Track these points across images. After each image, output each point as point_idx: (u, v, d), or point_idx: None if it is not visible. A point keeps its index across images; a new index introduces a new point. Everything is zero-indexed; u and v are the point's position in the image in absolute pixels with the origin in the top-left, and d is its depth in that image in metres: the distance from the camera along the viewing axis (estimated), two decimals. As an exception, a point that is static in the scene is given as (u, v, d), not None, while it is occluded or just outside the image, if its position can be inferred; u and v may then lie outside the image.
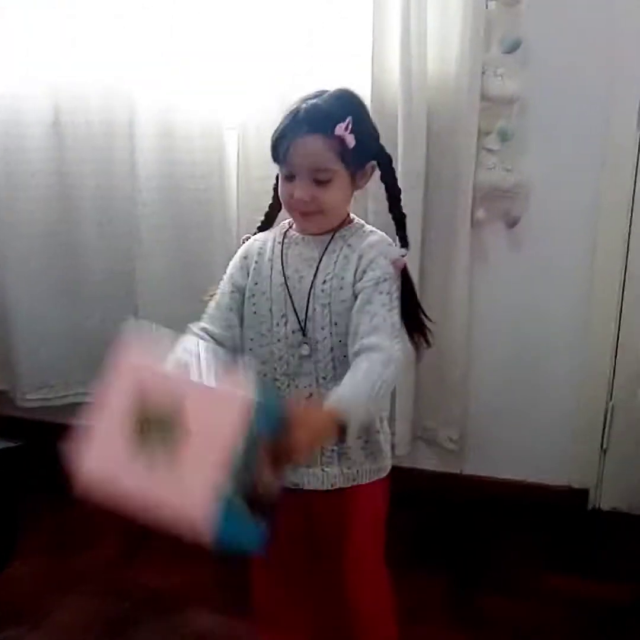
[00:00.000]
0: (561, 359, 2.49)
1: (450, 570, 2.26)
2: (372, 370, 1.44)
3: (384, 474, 1.66)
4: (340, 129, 1.45)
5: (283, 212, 1.64)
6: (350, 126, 1.45)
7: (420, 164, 2.34)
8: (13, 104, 2.60)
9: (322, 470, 1.60)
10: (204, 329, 1.63)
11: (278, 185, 1.58)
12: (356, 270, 1.53)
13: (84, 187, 2.67)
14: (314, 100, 1.49)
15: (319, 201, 1.50)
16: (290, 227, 1.62)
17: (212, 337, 1.61)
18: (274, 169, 1.57)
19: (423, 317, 1.63)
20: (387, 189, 1.62)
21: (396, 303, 1.54)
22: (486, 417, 2.56)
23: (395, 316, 1.52)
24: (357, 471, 1.61)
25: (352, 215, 1.61)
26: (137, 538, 2.39)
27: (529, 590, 2.19)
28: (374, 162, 1.56)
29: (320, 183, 1.48)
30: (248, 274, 1.62)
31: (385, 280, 1.52)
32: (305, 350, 1.56)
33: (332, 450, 1.59)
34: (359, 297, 1.52)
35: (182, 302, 2.66)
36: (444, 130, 2.37)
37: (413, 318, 1.61)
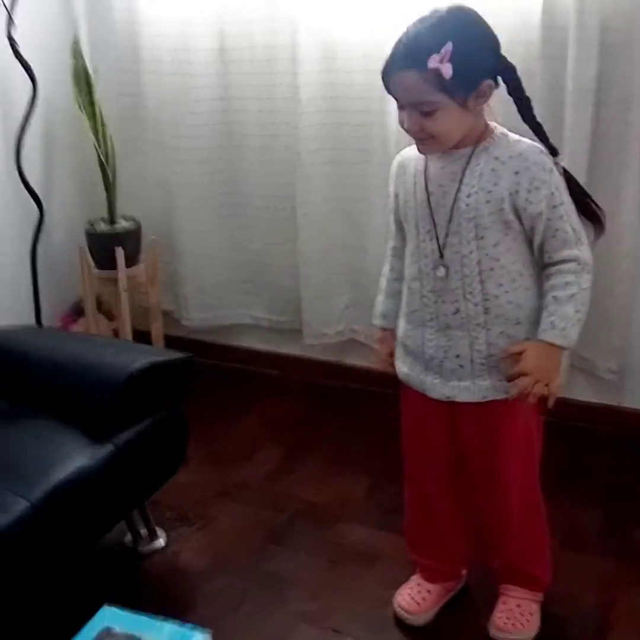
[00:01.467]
0: None
1: (605, 503, 2.22)
2: (570, 284, 1.54)
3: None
4: (434, 61, 1.43)
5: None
6: (447, 55, 1.42)
7: (590, 81, 2.21)
8: (181, 30, 2.66)
9: (474, 382, 1.62)
10: (394, 248, 1.77)
11: None
12: (516, 190, 1.52)
13: (247, 112, 2.72)
14: (414, 30, 1.47)
15: (428, 130, 1.50)
16: None
17: (398, 255, 1.75)
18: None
19: (594, 206, 1.62)
20: (516, 102, 1.57)
21: (571, 208, 1.55)
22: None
23: (574, 221, 1.55)
24: (507, 384, 1.60)
25: (493, 124, 1.58)
26: (294, 454, 2.50)
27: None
28: (490, 81, 1.51)
29: (425, 114, 1.48)
30: (399, 192, 1.67)
31: (553, 193, 1.52)
32: (440, 271, 1.59)
33: (482, 363, 1.61)
34: (536, 220, 1.53)
35: (341, 225, 2.70)
36: (618, 44, 2.23)
37: (584, 209, 1.61)
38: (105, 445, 1.80)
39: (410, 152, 1.65)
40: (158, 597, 1.95)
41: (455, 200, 1.55)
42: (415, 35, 1.47)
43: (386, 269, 1.81)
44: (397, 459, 2.44)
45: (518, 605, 1.81)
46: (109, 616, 1.53)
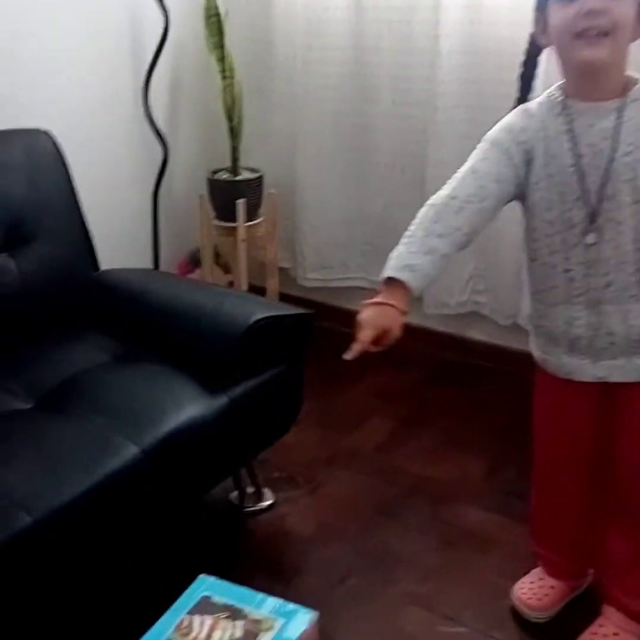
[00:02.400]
0: None
1: None
2: None
3: None
4: None
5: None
6: None
7: None
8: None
9: (628, 360, 1.47)
10: (453, 198, 1.46)
11: (531, 48, 1.48)
12: None
13: (381, 64, 2.57)
14: None
15: (612, 14, 1.29)
16: (565, 97, 1.41)
17: (458, 209, 1.45)
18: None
19: None
20: None
21: None
22: None
23: None
24: None
25: (631, 73, 1.39)
26: (407, 426, 2.38)
27: None
28: None
29: None
30: (527, 156, 1.44)
31: None
32: (591, 238, 1.41)
33: (638, 339, 1.45)
34: None
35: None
36: None
37: None
38: (219, 396, 1.72)
39: (541, 108, 1.45)
40: (261, 559, 1.87)
41: (610, 160, 1.37)
42: None
43: (429, 217, 1.47)
44: (519, 442, 2.29)
45: (615, 634, 1.62)
46: (207, 586, 1.44)
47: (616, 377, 1.48)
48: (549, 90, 1.47)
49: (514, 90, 2.35)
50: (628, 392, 1.49)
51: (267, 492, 2.06)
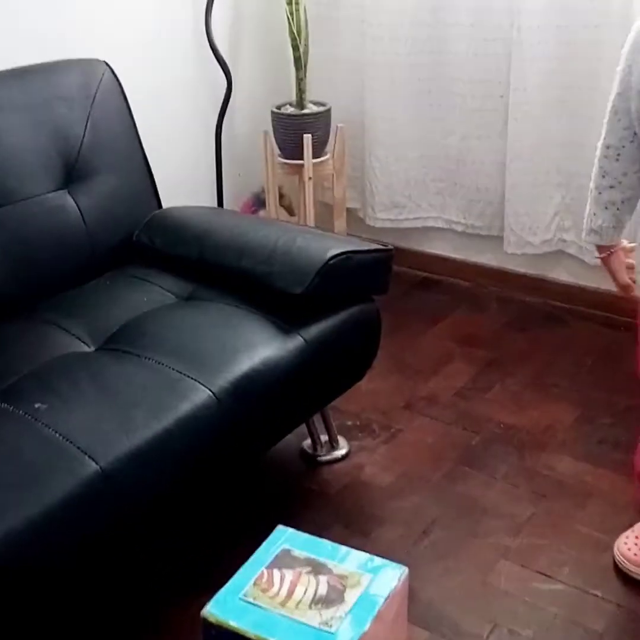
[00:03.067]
0: None
1: None
2: None
3: None
4: None
5: None
6: None
7: None
8: None
9: None
10: (608, 147, 1.40)
11: None
12: None
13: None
14: None
15: None
16: None
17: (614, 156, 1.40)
18: None
19: None
20: None
21: None
22: None
23: None
24: None
25: None
26: (488, 371, 2.23)
27: None
28: None
29: None
30: None
31: None
32: None
33: None
34: None
35: (560, 117, 2.34)
36: None
37: None
38: (294, 336, 1.60)
39: None
40: (336, 511, 1.76)
41: None
42: None
43: (596, 174, 1.44)
44: (610, 387, 2.15)
45: None
46: (286, 538, 1.33)
47: None
48: None
49: (610, 6, 2.16)
50: None
51: (341, 440, 1.95)
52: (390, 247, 1.76)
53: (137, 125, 1.96)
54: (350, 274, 1.69)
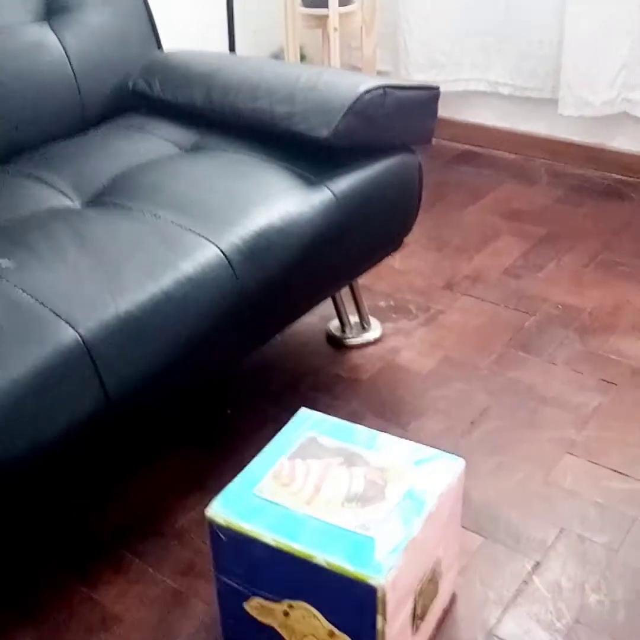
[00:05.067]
0: None
1: None
2: None
3: None
4: None
5: None
6: None
7: None
8: None
9: None
10: None
11: None
12: None
13: None
14: None
15: None
16: None
17: None
18: None
19: None
20: None
21: None
22: None
23: None
24: None
25: None
26: (541, 249, 1.94)
27: None
28: None
29: None
30: None
31: None
32: None
33: None
34: None
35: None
36: None
37: None
38: (319, 188, 1.31)
39: None
40: (369, 399, 1.50)
41: None
42: None
43: None
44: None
45: None
46: (312, 423, 1.08)
47: None
48: None
49: None
50: None
51: (373, 322, 1.68)
52: (436, 85, 1.45)
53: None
54: (387, 115, 1.39)
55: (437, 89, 1.46)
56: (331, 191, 1.32)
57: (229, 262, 1.17)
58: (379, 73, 2.40)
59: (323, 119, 1.34)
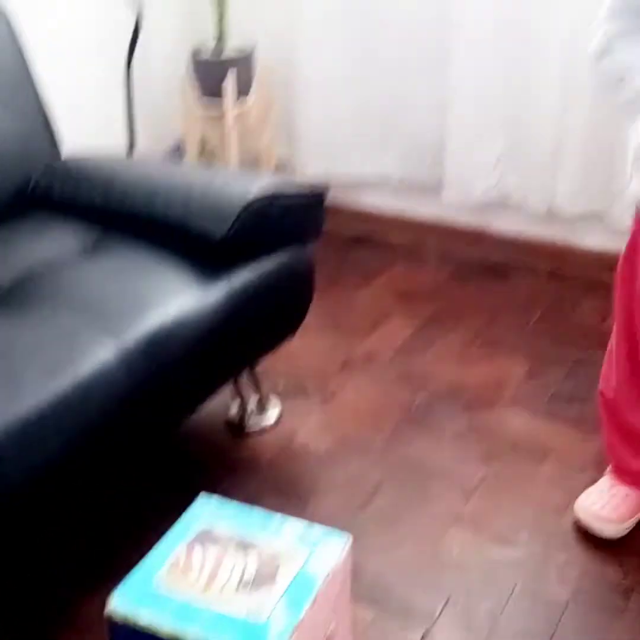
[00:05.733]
0: None
1: None
2: None
3: None
4: None
5: None
6: None
7: None
8: None
9: None
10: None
11: None
12: None
13: None
14: None
15: None
16: None
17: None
18: None
19: None
20: None
21: None
22: None
23: None
24: None
25: None
26: (430, 327, 2.07)
27: None
28: None
29: None
30: None
31: None
32: None
33: None
34: None
35: (504, 55, 2.17)
36: None
37: None
38: (214, 286, 1.40)
39: None
40: (268, 481, 1.58)
41: None
42: None
43: (624, 51, 1.20)
44: (557, 341, 2.00)
45: None
46: (209, 509, 1.15)
47: None
48: None
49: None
50: None
51: (272, 405, 1.76)
52: (322, 188, 1.58)
53: (34, 60, 1.72)
54: (277, 217, 1.50)
55: (322, 192, 1.58)
56: (225, 288, 1.41)
57: (126, 360, 1.24)
58: (277, 163, 2.54)
59: (216, 223, 1.44)
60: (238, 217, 1.43)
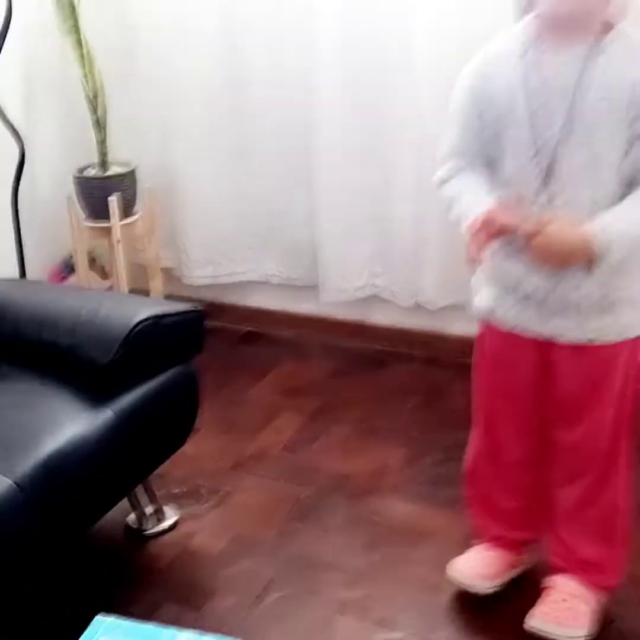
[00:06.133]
0: None
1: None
2: None
3: None
4: None
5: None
6: None
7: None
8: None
9: (580, 322, 1.39)
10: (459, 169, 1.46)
11: None
12: (632, 103, 1.27)
13: (255, 43, 2.41)
14: None
15: None
16: (534, 38, 1.33)
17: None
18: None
19: None
20: None
21: None
22: None
23: None
24: (622, 325, 1.40)
25: (613, 18, 1.30)
26: (316, 421, 2.22)
27: None
28: None
29: None
30: (484, 111, 1.38)
31: None
32: (550, 195, 1.33)
33: (593, 301, 1.38)
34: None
35: (364, 166, 2.40)
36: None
37: None
38: (103, 410, 1.51)
39: (497, 49, 1.38)
40: (168, 586, 1.67)
41: (571, 108, 1.29)
42: None
43: (457, 180, 1.46)
44: (434, 426, 2.19)
45: (564, 600, 1.52)
46: (105, 629, 1.21)
47: (564, 338, 1.41)
48: (514, 30, 1.38)
49: (397, 63, 2.26)
50: (572, 353, 1.42)
51: (168, 510, 1.86)
52: (199, 307, 1.72)
53: None
54: (160, 339, 1.63)
55: (201, 310, 1.72)
56: (113, 411, 1.52)
57: (22, 490, 1.32)
58: (165, 270, 2.68)
59: (102, 348, 1.56)
60: (123, 342, 1.55)
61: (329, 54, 2.30)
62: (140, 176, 2.52)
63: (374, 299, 2.56)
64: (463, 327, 2.44)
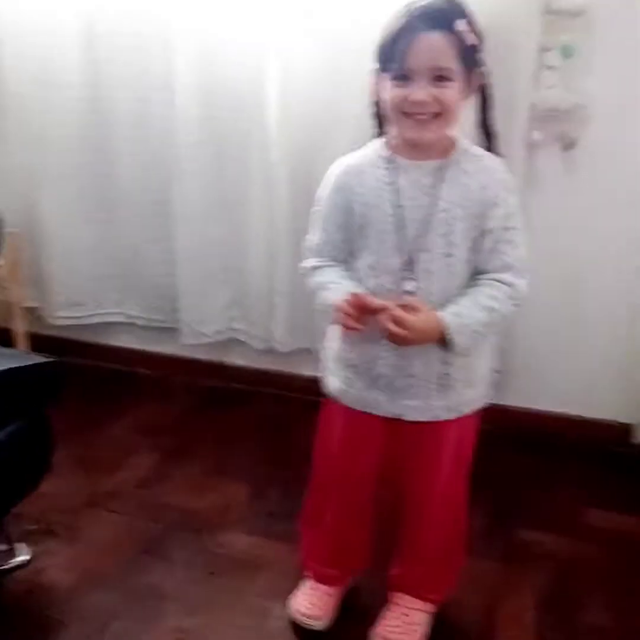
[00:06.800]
0: (614, 289, 2.37)
1: (490, 503, 2.19)
2: (495, 297, 1.49)
3: (484, 403, 1.64)
4: (461, 25, 1.39)
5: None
6: (469, 24, 1.41)
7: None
8: (47, 11, 2.47)
9: (426, 402, 1.56)
10: (328, 264, 1.60)
11: (378, 94, 1.49)
12: (481, 204, 1.48)
13: (119, 100, 2.55)
14: (425, 1, 1.41)
15: (439, 101, 1.42)
16: (391, 152, 1.52)
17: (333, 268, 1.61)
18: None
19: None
20: (482, 101, 1.54)
21: (521, 234, 1.52)
22: (531, 347, 2.46)
23: (522, 250, 1.52)
24: (461, 402, 1.59)
25: (456, 135, 1.52)
26: (170, 459, 2.36)
27: (569, 525, 2.13)
28: (485, 69, 1.48)
29: (439, 82, 1.41)
30: (351, 207, 1.54)
31: (511, 215, 1.50)
32: (410, 285, 1.50)
33: (437, 383, 1.55)
34: (488, 237, 1.49)
35: (220, 221, 2.58)
36: (501, 45, 2.21)
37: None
38: (-45, 456, 1.61)
39: (356, 161, 1.56)
40: (19, 619, 1.78)
41: (430, 215, 1.47)
42: (430, 2, 1.40)
43: (324, 271, 1.60)
44: (279, 462, 2.37)
45: (405, 615, 1.75)
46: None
47: (411, 416, 1.57)
48: (374, 143, 1.56)
49: (252, 127, 2.45)
50: (416, 429, 1.59)
51: (21, 547, 1.95)
52: (57, 359, 1.81)
53: None
54: (11, 392, 1.72)
55: (57, 361, 1.83)
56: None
57: None
58: (30, 309, 2.77)
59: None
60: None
61: (191, 112, 2.45)
62: (6, 221, 2.60)
63: (231, 342, 2.73)
64: (311, 369, 2.63)
